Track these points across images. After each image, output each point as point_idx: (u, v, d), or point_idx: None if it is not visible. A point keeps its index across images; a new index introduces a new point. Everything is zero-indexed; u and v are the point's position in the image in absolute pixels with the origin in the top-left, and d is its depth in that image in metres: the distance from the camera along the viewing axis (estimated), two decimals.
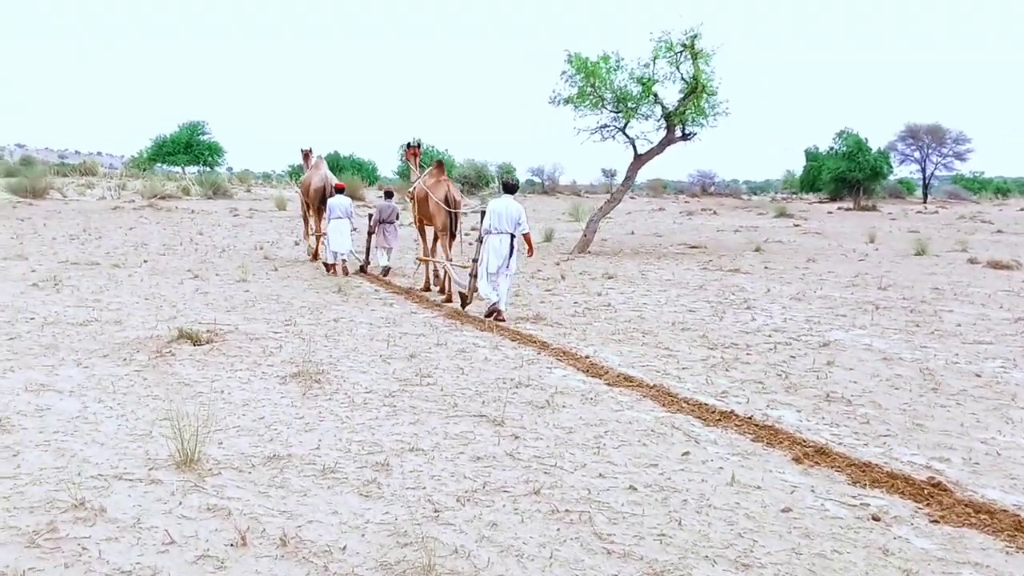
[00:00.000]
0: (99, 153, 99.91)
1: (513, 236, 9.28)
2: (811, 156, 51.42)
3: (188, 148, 53.80)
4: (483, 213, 9.58)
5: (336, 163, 59.09)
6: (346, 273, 13.18)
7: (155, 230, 19.84)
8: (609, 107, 18.62)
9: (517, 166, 62.49)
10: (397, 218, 13.87)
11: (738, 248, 19.38)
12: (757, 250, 18.66)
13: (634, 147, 19.19)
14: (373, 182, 50.28)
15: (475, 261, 9.86)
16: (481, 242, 9.59)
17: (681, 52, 17.88)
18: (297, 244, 17.20)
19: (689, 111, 18.05)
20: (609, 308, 10.35)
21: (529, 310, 9.86)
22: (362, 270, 13.61)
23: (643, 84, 18.21)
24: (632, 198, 55.09)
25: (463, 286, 10.21)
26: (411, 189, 12.17)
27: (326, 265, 13.40)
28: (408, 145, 13.28)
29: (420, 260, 12.26)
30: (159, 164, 55.42)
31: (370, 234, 14.05)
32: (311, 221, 15.15)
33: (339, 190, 13.91)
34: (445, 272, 11.01)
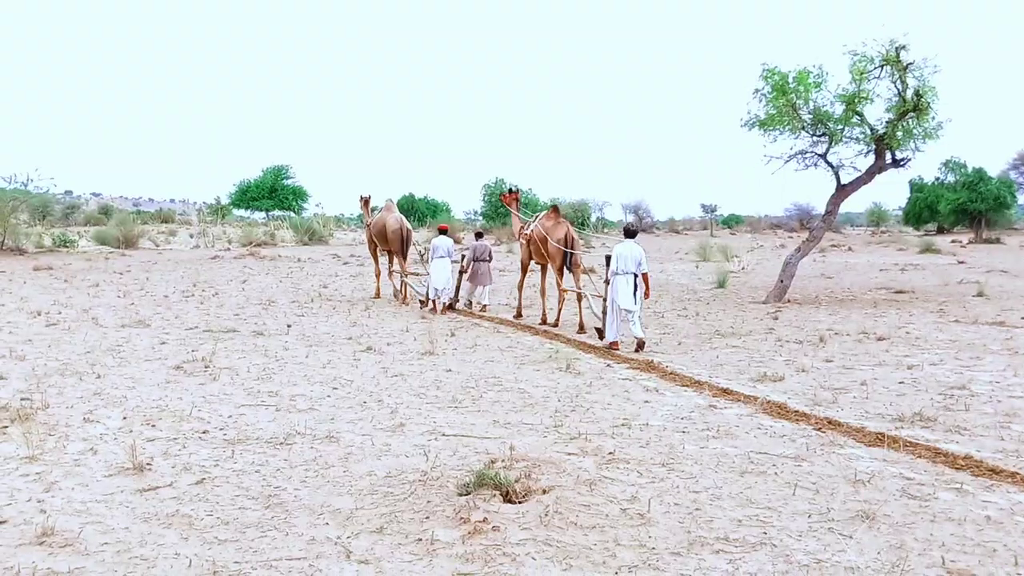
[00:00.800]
0: (172, 200, 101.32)
1: (636, 276, 10.56)
2: (916, 187, 48.13)
3: (272, 192, 52.77)
4: (608, 258, 10.99)
5: (410, 206, 57.66)
6: (451, 308, 14.44)
7: (270, 282, 19.68)
8: (808, 130, 15.64)
9: (612, 202, 60.06)
10: (490, 258, 15.03)
11: (953, 292, 17.20)
12: (980, 295, 16.35)
13: (837, 176, 16.13)
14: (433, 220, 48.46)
15: (604, 299, 11.24)
16: (606, 283, 10.95)
17: (883, 67, 14.96)
18: (420, 304, 15.88)
19: (905, 133, 15.01)
20: (973, 398, 7.77)
21: (873, 405, 7.78)
22: (450, 307, 14.56)
23: (847, 102, 15.21)
24: (732, 234, 52.08)
25: (600, 320, 11.38)
26: (528, 231, 13.22)
27: (421, 302, 14.82)
28: (510, 190, 14.58)
29: (564, 291, 12.99)
30: (239, 209, 54.48)
31: (462, 273, 15.07)
32: (393, 262, 16.44)
33: (442, 231, 15.46)
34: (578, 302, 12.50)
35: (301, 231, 35.96)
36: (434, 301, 14.37)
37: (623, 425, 6.75)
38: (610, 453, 5.87)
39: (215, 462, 5.55)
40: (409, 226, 15.91)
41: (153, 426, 6.43)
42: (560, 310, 13.00)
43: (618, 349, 10.57)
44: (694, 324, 13.22)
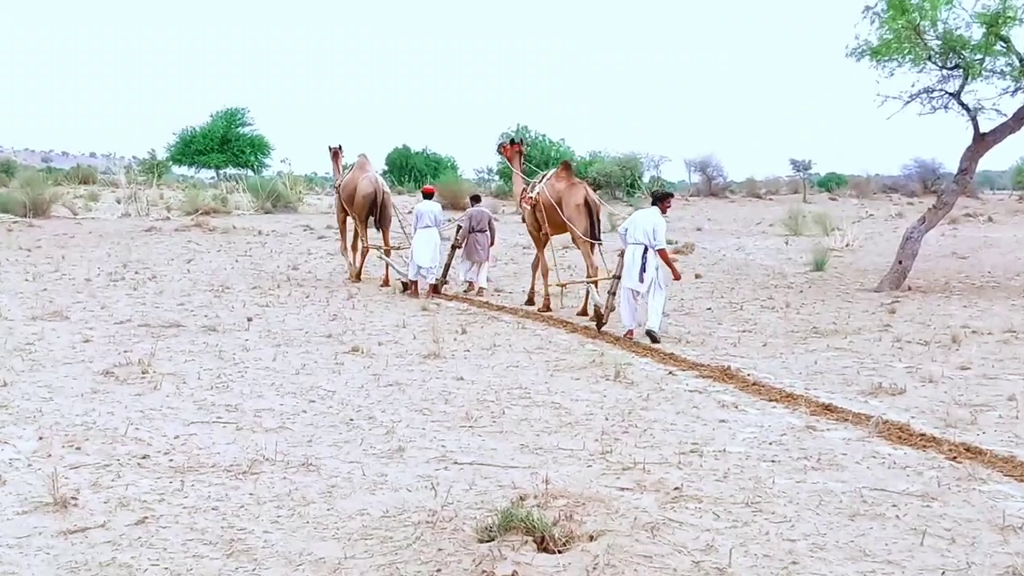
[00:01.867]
0: (93, 155, 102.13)
1: (647, 250, 11.21)
2: None
3: (224, 145, 53.07)
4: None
5: (404, 162, 57.89)
6: (436, 292, 15.12)
7: (223, 262, 19.85)
8: (936, 61, 15.49)
9: (672, 159, 59.98)
10: (491, 227, 15.69)
11: None
12: None
13: (974, 123, 16.00)
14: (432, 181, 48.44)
15: (615, 278, 11.89)
16: (621, 255, 11.72)
17: None
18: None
19: None
20: None
21: None
22: (435, 290, 15.18)
23: (988, 24, 15.03)
24: (832, 199, 51.76)
25: (600, 304, 12.02)
26: (532, 194, 13.67)
27: (404, 284, 15.43)
28: (512, 141, 15.05)
29: (562, 284, 13.91)
30: (181, 166, 54.81)
31: (455, 248, 15.75)
32: (358, 233, 16.88)
33: (427, 195, 15.82)
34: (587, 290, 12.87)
35: (262, 195, 36.11)
36: (415, 283, 15.12)
37: (692, 452, 6.77)
38: (676, 488, 5.90)
39: (159, 496, 5.62)
40: (386, 188, 16.50)
41: (78, 449, 6.52)
42: (586, 298, 13.32)
43: (632, 338, 11.24)
44: (783, 319, 13.21)
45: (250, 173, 51.37)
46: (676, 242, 24.47)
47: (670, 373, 9.56)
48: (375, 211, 16.37)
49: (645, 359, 10.38)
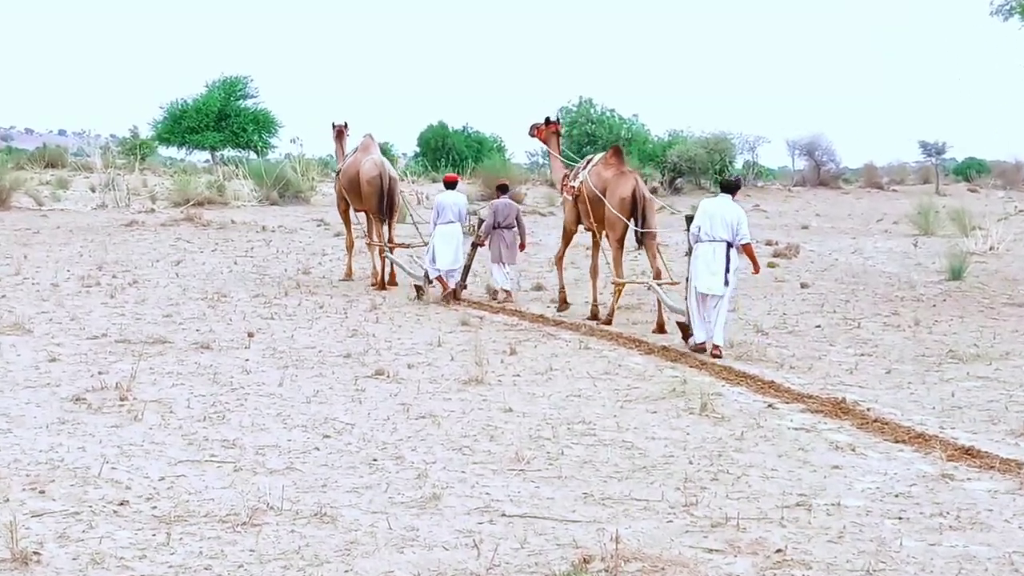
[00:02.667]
0: (63, 132, 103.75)
1: (730, 246, 11.57)
2: None
3: (221, 121, 53.56)
4: (689, 219, 12.19)
5: (441, 142, 58.01)
6: (456, 298, 15.58)
7: (218, 264, 20.13)
8: None
9: (771, 140, 59.48)
10: (519, 223, 16.00)
11: None
12: None
13: None
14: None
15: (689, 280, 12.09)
16: (689, 254, 12.07)
17: None
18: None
19: None
20: None
21: None
22: (454, 295, 15.64)
23: None
24: (972, 191, 51.04)
25: (680, 312, 12.33)
26: (575, 183, 14.28)
27: (418, 288, 15.90)
28: (548, 120, 15.57)
29: (617, 284, 13.96)
30: (169, 147, 55.33)
31: (475, 246, 16.11)
32: (365, 229, 17.69)
33: (450, 184, 16.39)
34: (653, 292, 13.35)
35: (267, 183, 36.33)
36: (446, 283, 15.73)
37: (799, 505, 6.72)
38: (778, 551, 5.86)
39: (140, 552, 5.67)
40: (394, 173, 17.01)
41: (42, 492, 6.58)
42: (614, 303, 13.97)
43: (705, 352, 11.70)
44: (912, 339, 13.08)
45: (253, 156, 51.78)
46: (776, 243, 24.32)
47: (770, 406, 9.49)
48: (381, 199, 16.78)
49: (739, 388, 10.30)
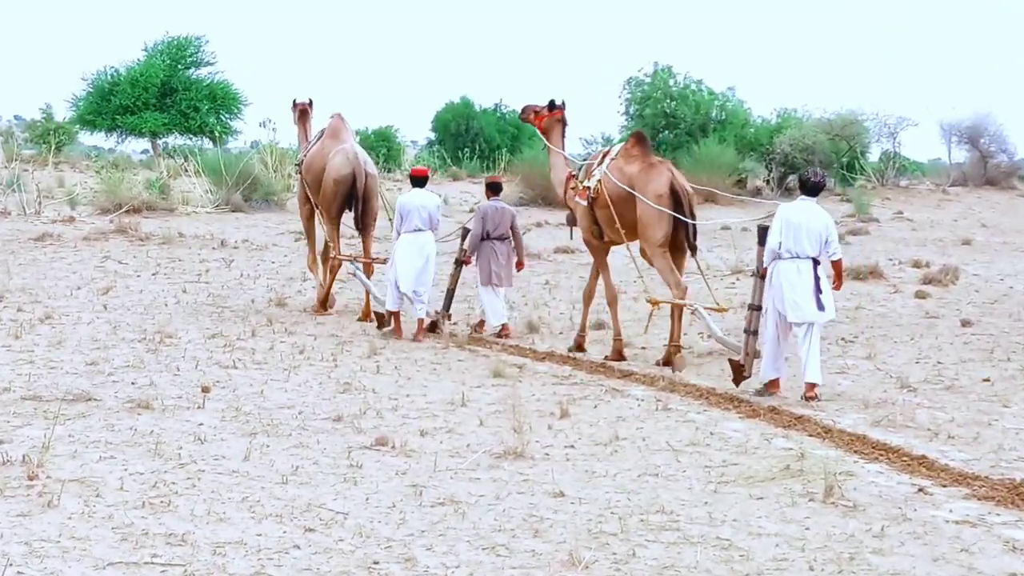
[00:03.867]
0: None
1: (817, 263, 12.12)
2: None
3: (165, 97, 53.82)
4: (763, 230, 12.64)
5: (465, 123, 58.08)
6: (433, 331, 16.38)
7: (164, 293, 20.35)
8: None
9: (918, 123, 59.09)
10: (514, 233, 16.82)
11: None
12: None
13: None
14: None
15: (753, 309, 12.79)
16: (762, 276, 12.66)
17: None
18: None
19: None
20: None
21: None
22: (433, 329, 16.48)
23: None
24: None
25: (734, 348, 13.12)
26: (589, 183, 14.85)
27: (379, 316, 16.66)
28: (552, 105, 16.29)
29: (654, 303, 14.72)
30: (94, 132, 55.70)
31: (460, 264, 17.04)
32: (325, 237, 18.34)
33: (418, 179, 16.70)
34: (681, 315, 14.21)
35: (228, 182, 36.45)
36: (396, 315, 16.37)
37: None
38: None
39: None
40: (372, 169, 17.82)
41: None
42: (675, 333, 14.38)
43: (774, 393, 12.35)
44: None
45: (208, 144, 51.93)
46: (927, 264, 24.21)
47: (920, 491, 9.37)
48: (354, 204, 17.42)
49: (877, 465, 10.22)
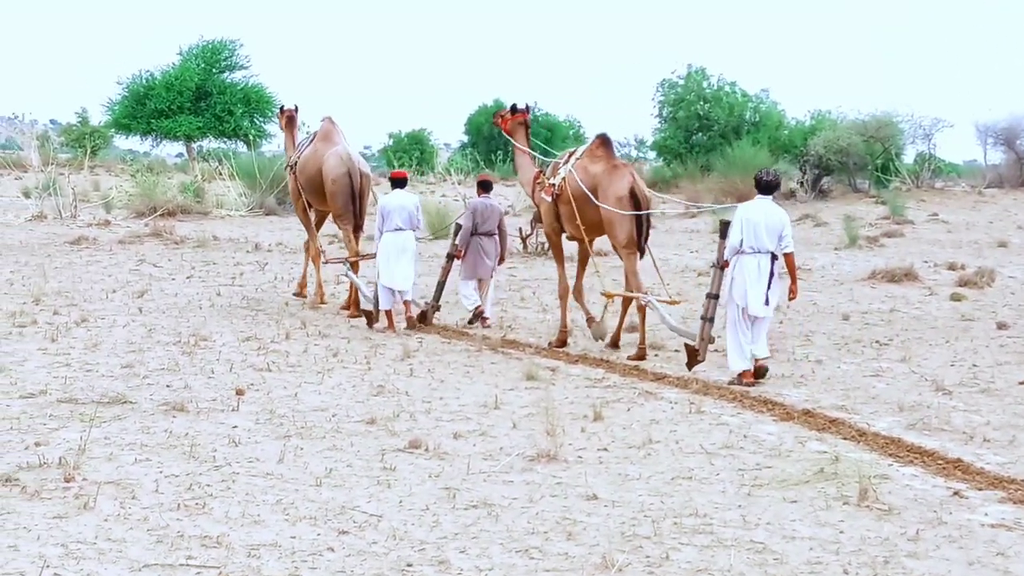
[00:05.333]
0: None
1: (775, 258, 13.05)
2: None
3: (200, 101, 53.85)
4: (723, 224, 13.51)
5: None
6: (412, 326, 17.24)
7: (198, 295, 20.35)
8: None
9: (953, 124, 58.64)
10: (501, 227, 17.90)
11: None
12: None
13: None
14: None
15: (711, 298, 13.65)
16: (722, 268, 13.57)
17: None
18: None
19: None
20: None
21: None
22: (423, 320, 17.40)
23: None
24: None
25: (688, 335, 13.93)
26: (554, 181, 15.88)
27: (368, 315, 17.33)
28: (514, 109, 17.44)
29: (609, 296, 15.96)
30: (128, 136, 55.83)
31: (451, 258, 17.73)
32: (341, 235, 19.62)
33: (398, 182, 17.51)
34: (641, 312, 15.09)
35: (262, 185, 36.49)
36: (388, 313, 17.17)
37: None
38: None
39: None
40: (366, 168, 18.61)
41: None
42: (621, 322, 15.78)
43: (751, 383, 13.09)
44: None
45: (242, 148, 51.98)
46: (962, 267, 24.10)
47: (956, 494, 9.31)
48: (353, 202, 18.26)
49: (912, 468, 10.18)
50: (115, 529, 8.07)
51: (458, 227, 17.81)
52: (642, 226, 15.07)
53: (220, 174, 40.74)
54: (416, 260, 17.50)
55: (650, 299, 14.92)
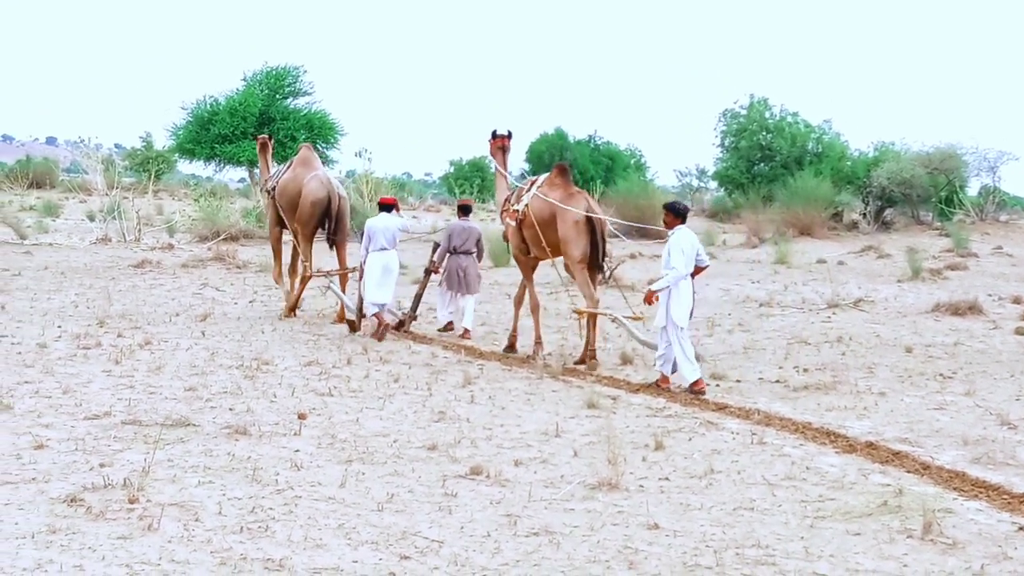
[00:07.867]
0: (52, 140, 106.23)
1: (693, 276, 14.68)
2: None
3: (263, 126, 54.12)
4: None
5: (559, 154, 58.21)
6: (400, 330, 18.95)
7: (258, 319, 20.54)
8: None
9: (1019, 157, 58.46)
10: (478, 247, 19.53)
11: None
12: None
13: None
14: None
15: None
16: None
17: None
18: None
19: None
20: None
21: None
22: (400, 327, 18.97)
23: None
24: None
25: (653, 347, 15.32)
26: (519, 206, 16.91)
27: (350, 322, 19.07)
28: (494, 135, 18.70)
29: (579, 313, 16.72)
30: (192, 160, 56.22)
31: (428, 273, 19.67)
32: (299, 254, 20.76)
33: (385, 207, 19.10)
34: (592, 320, 16.35)
35: None
36: (382, 316, 18.52)
37: None
38: None
39: None
40: (343, 191, 20.40)
41: None
42: (591, 338, 16.41)
43: (704, 393, 14.25)
44: None
45: None
46: None
47: (1021, 529, 9.18)
48: (327, 222, 19.83)
49: (977, 503, 10.08)
50: (179, 551, 8.11)
51: (434, 247, 19.42)
52: (597, 245, 16.15)
53: None
54: (396, 276, 19.00)
55: (617, 315, 16.37)
